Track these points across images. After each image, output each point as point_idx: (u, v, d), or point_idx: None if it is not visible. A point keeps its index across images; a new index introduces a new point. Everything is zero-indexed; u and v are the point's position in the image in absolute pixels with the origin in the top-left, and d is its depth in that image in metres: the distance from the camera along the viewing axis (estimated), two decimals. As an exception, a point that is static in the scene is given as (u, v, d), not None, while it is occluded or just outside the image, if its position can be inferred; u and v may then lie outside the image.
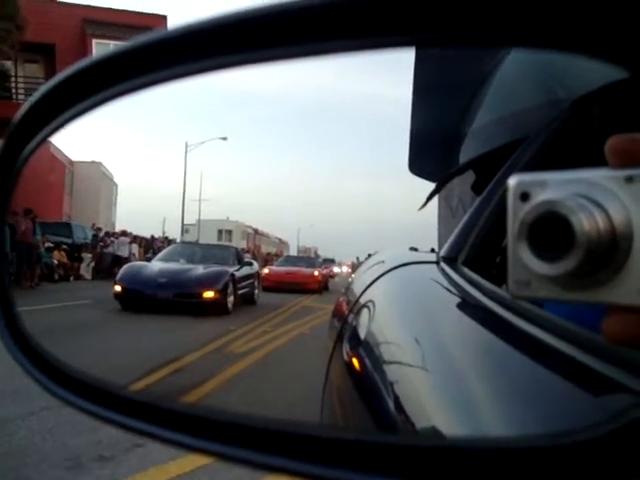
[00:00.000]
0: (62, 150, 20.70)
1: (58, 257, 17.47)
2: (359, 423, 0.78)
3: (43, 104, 0.60)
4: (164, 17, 28.54)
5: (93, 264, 19.07)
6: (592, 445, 0.32)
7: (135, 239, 21.04)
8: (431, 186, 1.51)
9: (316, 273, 21.48)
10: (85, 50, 25.92)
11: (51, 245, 17.29)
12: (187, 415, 0.54)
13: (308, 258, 30.08)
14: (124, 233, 20.69)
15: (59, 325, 7.41)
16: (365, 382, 0.83)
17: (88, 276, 18.80)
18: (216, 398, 4.72)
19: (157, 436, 0.53)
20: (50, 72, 25.00)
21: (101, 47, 25.79)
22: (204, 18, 0.45)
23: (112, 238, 19.98)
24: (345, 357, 1.00)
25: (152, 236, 23.91)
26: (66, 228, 19.52)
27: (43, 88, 0.59)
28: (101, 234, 20.87)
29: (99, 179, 27.33)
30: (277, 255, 32.12)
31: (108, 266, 18.27)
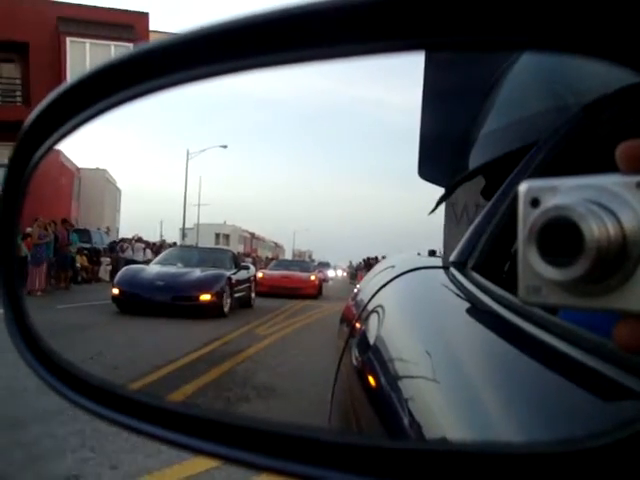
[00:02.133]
0: (70, 158, 21.13)
1: (80, 261, 18.95)
2: (368, 427, 0.78)
3: (52, 110, 0.60)
4: (146, 14, 27.02)
5: (110, 267, 20.03)
6: (597, 453, 0.32)
7: (148, 245, 22.16)
8: (433, 191, 1.51)
9: (313, 277, 21.20)
10: (59, 49, 24.70)
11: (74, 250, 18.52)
12: (192, 417, 0.53)
13: (303, 262, 29.79)
14: (139, 239, 21.85)
15: (118, 316, 10.24)
16: (374, 387, 0.82)
17: (107, 278, 20.07)
18: (259, 357, 7.35)
19: (162, 438, 0.53)
20: (26, 72, 24.21)
21: (75, 46, 24.84)
22: (209, 23, 0.45)
23: (126, 244, 21.12)
24: (354, 362, 1.00)
25: (164, 241, 24.97)
26: (86, 234, 20.96)
27: (51, 95, 0.60)
28: (115, 239, 22.13)
29: (104, 185, 27.57)
30: (274, 259, 32.00)
31: (125, 270, 19.52)
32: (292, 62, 0.43)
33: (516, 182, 0.46)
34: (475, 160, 1.33)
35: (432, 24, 0.36)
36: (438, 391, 0.62)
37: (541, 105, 1.10)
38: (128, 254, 19.99)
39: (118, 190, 29.15)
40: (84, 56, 24.66)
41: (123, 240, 21.74)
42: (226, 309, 12.07)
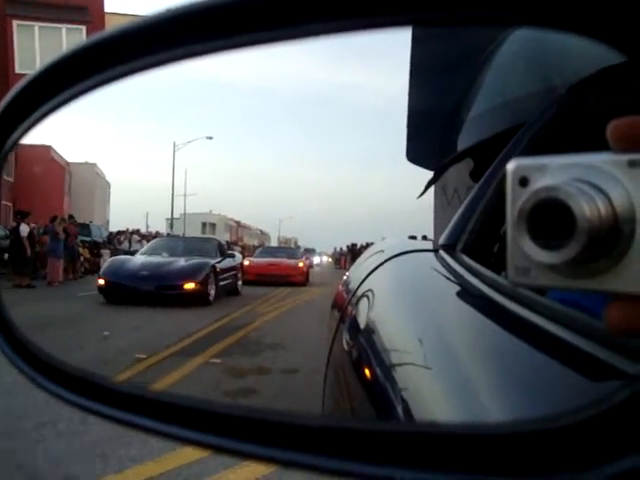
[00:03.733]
0: (60, 153, 21.13)
1: (83, 253, 19.66)
2: (359, 410, 0.78)
3: (25, 95, 0.59)
4: (101, -5, 24.81)
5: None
6: (580, 427, 0.32)
7: (144, 236, 22.81)
8: (421, 174, 1.51)
9: (301, 264, 20.80)
10: (5, 33, 22.80)
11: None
12: (177, 406, 0.53)
13: (290, 248, 29.66)
14: (136, 232, 22.82)
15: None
16: (365, 370, 0.82)
17: (108, 269, 21.04)
18: (265, 327, 9.46)
19: (147, 428, 0.53)
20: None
21: (23, 29, 23.25)
22: (190, 2, 0.44)
23: (123, 237, 21.99)
24: (345, 346, 1.00)
25: (157, 232, 25.66)
26: (86, 228, 21.58)
27: (24, 79, 0.59)
28: (112, 232, 22.96)
29: (94, 179, 27.47)
30: (261, 246, 31.94)
31: (124, 261, 20.25)
32: (273, 41, 0.42)
33: (504, 163, 0.46)
34: (463, 142, 1.33)
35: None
36: (428, 374, 0.63)
37: (528, 87, 1.10)
38: (125, 246, 20.71)
39: (108, 183, 29.17)
40: (33, 40, 23.19)
41: (119, 233, 22.48)
42: (211, 297, 12.15)
